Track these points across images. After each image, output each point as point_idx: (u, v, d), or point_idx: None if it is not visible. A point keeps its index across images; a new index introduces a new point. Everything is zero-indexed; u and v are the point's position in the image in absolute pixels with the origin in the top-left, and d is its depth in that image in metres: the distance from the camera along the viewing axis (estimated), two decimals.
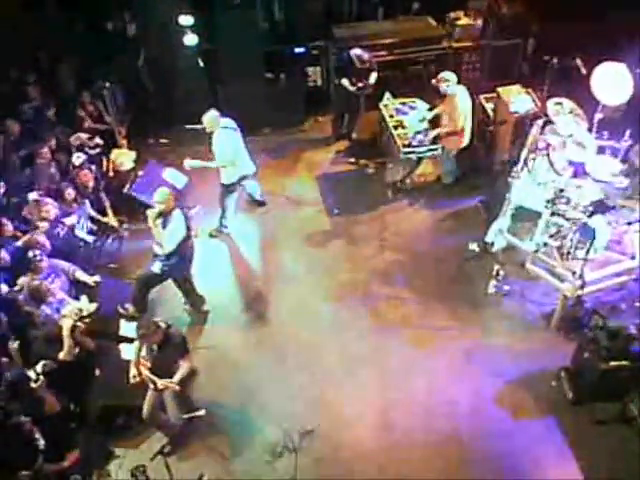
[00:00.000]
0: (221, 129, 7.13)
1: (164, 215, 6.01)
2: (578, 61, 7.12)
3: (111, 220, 7.82)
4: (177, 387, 5.19)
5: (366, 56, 8.44)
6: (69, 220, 7.08)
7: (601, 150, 6.61)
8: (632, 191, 6.11)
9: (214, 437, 5.66)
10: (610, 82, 6.44)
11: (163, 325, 5.15)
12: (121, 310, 6.50)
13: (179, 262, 6.22)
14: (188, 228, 6.17)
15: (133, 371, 5.26)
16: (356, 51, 8.43)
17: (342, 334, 6.52)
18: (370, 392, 5.97)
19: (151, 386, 5.17)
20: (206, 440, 5.63)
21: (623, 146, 6.48)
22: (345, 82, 8.59)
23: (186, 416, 5.43)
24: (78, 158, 7.79)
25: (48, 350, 5.43)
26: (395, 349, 6.32)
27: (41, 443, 4.87)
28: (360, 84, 8.61)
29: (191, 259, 6.45)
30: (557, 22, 8.64)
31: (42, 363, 5.16)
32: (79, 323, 5.56)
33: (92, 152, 8.15)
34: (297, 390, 6.00)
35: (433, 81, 7.73)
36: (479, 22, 9.44)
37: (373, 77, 8.61)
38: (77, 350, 5.58)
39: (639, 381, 5.32)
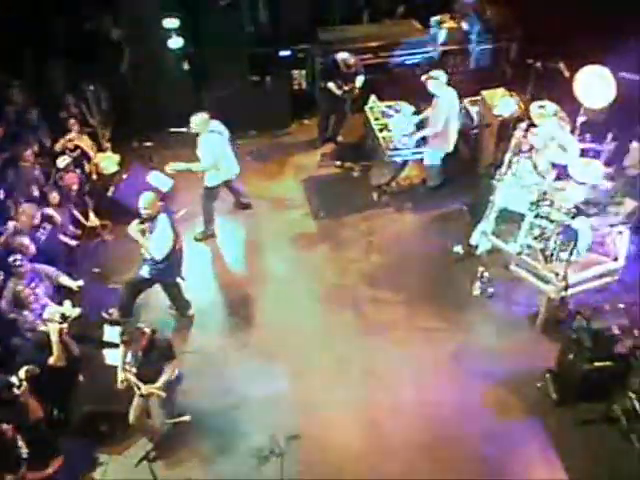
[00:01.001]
0: (208, 133, 7.10)
1: (150, 220, 5.97)
2: (561, 64, 7.17)
3: (94, 223, 7.76)
4: (162, 393, 5.16)
5: (352, 60, 8.45)
6: (53, 223, 7.02)
7: (584, 153, 6.69)
8: (617, 193, 6.17)
9: (200, 442, 5.63)
10: (593, 85, 6.52)
11: (148, 331, 5.11)
12: (105, 315, 6.45)
13: (168, 266, 6.17)
14: (175, 232, 6.14)
15: (121, 376, 5.21)
16: (342, 55, 8.44)
17: (329, 337, 6.52)
18: (357, 394, 5.98)
19: (136, 391, 5.13)
20: (192, 445, 5.60)
21: (605, 149, 6.56)
22: (331, 86, 8.59)
23: (171, 421, 5.40)
24: (63, 161, 7.74)
25: (36, 356, 5.38)
26: (381, 351, 6.33)
27: (24, 451, 4.81)
28: (346, 87, 8.61)
29: (180, 263, 6.41)
30: (540, 26, 8.71)
31: (24, 369, 5.10)
32: (64, 326, 5.52)
33: (73, 154, 8.09)
34: (284, 393, 5.99)
35: (423, 78, 7.74)
36: (464, 25, 9.50)
37: (359, 80, 8.62)
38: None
39: (622, 381, 5.36)
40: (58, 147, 8.07)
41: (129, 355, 5.20)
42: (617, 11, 8.19)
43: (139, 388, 5.10)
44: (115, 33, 9.21)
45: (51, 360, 5.37)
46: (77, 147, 8.26)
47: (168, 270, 6.23)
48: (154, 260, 6.04)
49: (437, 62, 9.37)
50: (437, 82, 7.57)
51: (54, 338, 5.36)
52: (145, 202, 5.95)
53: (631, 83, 7.32)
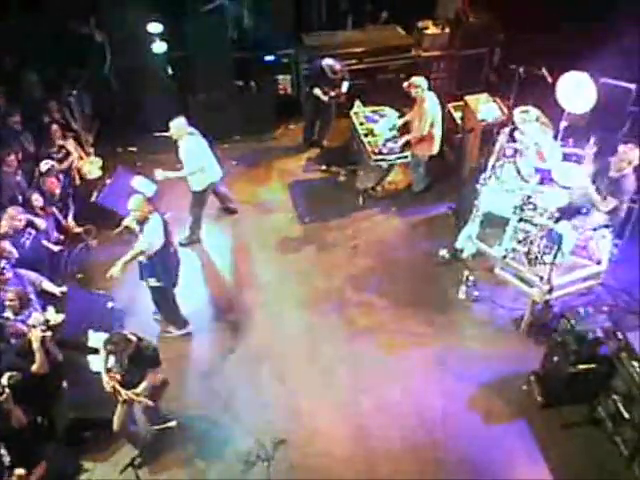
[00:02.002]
0: (188, 136, 7.08)
1: (141, 223, 5.87)
2: (544, 70, 7.26)
3: (74, 229, 7.69)
4: (149, 402, 5.10)
5: (338, 66, 8.48)
6: (36, 228, 6.95)
7: (567, 157, 6.76)
8: (601, 194, 6.24)
9: (186, 448, 5.59)
10: (575, 91, 6.60)
11: (134, 338, 5.05)
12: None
13: (164, 271, 6.05)
14: (167, 233, 6.02)
15: (105, 379, 5.15)
16: (328, 61, 8.46)
17: (315, 341, 6.52)
18: (344, 398, 5.97)
19: (118, 398, 5.08)
20: (178, 451, 5.56)
21: (588, 153, 6.64)
22: (317, 92, 8.61)
23: (157, 427, 5.35)
24: (45, 165, 7.66)
25: (19, 363, 5.30)
26: (367, 354, 6.34)
27: (7, 460, 4.74)
28: (332, 93, 8.64)
29: (177, 267, 6.30)
30: (523, 32, 8.81)
31: (7, 375, 5.04)
32: (47, 333, 5.45)
33: (58, 155, 8.00)
34: (270, 398, 5.97)
35: (405, 85, 7.80)
36: (447, 31, 9.58)
37: (345, 86, 8.66)
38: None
39: (606, 384, 5.42)
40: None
41: (113, 361, 5.14)
42: (598, 18, 8.32)
43: (120, 394, 5.05)
44: (99, 36, 9.15)
45: (33, 367, 5.29)
46: (62, 147, 8.17)
47: (165, 275, 6.10)
48: (149, 267, 5.90)
49: (420, 67, 9.45)
50: (419, 88, 7.63)
51: (36, 345, 5.29)
52: (135, 204, 5.85)
53: (612, 88, 7.44)
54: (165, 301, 6.41)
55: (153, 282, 6.09)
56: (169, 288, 6.29)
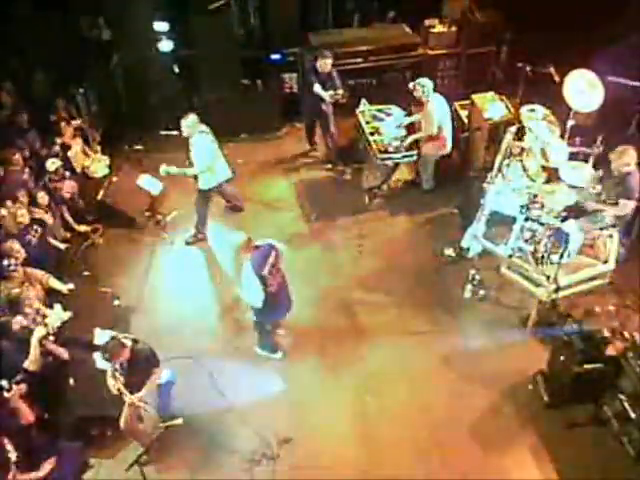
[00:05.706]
0: (199, 134, 7.08)
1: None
2: (551, 69, 7.24)
3: (82, 228, 7.73)
4: (144, 405, 5.12)
5: (325, 62, 8.30)
6: (43, 225, 6.98)
7: (573, 156, 6.74)
8: (604, 196, 6.23)
9: (192, 445, 5.60)
10: (581, 89, 6.58)
11: (129, 342, 5.07)
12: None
13: (262, 309, 5.76)
14: (265, 276, 5.61)
15: (110, 382, 5.17)
16: (319, 61, 8.34)
17: (320, 340, 6.51)
18: (349, 397, 5.97)
19: (125, 400, 5.10)
20: (183, 449, 5.57)
21: (594, 152, 6.62)
22: (317, 88, 8.41)
23: (163, 425, 5.37)
24: (53, 164, 7.68)
25: (19, 359, 5.33)
26: (373, 354, 6.33)
27: (13, 456, 4.76)
28: (334, 93, 8.56)
29: (278, 305, 5.93)
30: (530, 30, 8.78)
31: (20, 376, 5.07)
32: (50, 335, 5.46)
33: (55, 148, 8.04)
34: (275, 397, 5.97)
35: (410, 85, 7.78)
36: (453, 30, 9.57)
37: (340, 92, 8.39)
38: (50, 359, 5.49)
39: (612, 383, 5.40)
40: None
41: (116, 365, 5.16)
42: (605, 16, 8.28)
43: (127, 396, 5.07)
44: (105, 34, 9.19)
45: (26, 363, 5.30)
46: (63, 144, 8.21)
47: (263, 313, 5.90)
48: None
49: (427, 66, 9.43)
50: (424, 89, 7.62)
51: (33, 342, 5.30)
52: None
53: (619, 87, 7.42)
54: (262, 331, 6.27)
55: (251, 316, 6.04)
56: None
